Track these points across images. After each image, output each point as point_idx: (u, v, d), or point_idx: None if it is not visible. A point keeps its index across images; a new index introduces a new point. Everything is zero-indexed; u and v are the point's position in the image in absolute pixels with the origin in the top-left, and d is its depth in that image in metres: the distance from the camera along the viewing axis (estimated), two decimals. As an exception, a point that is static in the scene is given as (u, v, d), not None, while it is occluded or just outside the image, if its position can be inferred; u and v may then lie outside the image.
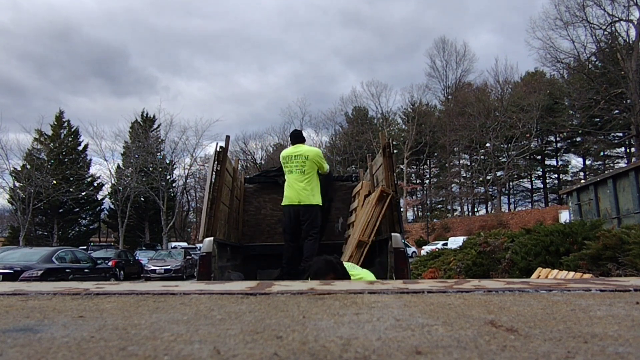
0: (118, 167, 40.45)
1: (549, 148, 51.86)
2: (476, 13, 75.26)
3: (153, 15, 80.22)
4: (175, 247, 30.53)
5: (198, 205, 50.61)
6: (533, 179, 53.83)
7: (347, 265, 2.80)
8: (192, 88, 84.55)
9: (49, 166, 34.35)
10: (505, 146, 48.19)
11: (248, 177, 6.25)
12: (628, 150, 42.22)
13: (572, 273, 5.47)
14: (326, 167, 4.83)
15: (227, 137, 4.56)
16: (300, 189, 4.57)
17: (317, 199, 4.64)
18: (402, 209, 5.72)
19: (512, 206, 52.60)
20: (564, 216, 21.15)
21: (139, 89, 76.43)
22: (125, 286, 1.64)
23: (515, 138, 45.55)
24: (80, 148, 40.93)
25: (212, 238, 3.67)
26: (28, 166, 33.57)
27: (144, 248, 32.85)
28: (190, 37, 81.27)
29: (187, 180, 45.18)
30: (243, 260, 5.13)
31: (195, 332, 0.90)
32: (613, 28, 33.31)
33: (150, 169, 38.00)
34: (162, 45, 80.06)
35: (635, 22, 32.12)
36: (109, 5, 76.79)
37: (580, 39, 34.83)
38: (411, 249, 31.80)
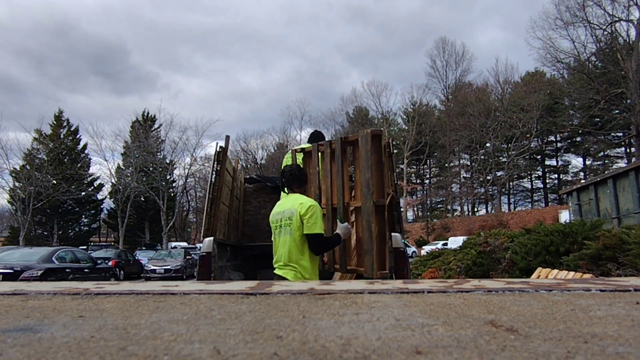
0: (118, 166, 40.49)
1: (549, 148, 51.86)
2: (483, 8, 74.93)
3: (152, 10, 79.90)
4: (175, 247, 30.50)
5: (198, 205, 50.59)
6: (533, 179, 53.85)
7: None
8: (193, 85, 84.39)
9: (48, 166, 34.33)
10: (505, 146, 48.20)
11: (248, 177, 6.24)
12: (628, 150, 42.23)
13: (572, 273, 5.48)
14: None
15: (227, 137, 4.56)
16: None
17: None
18: (402, 209, 5.70)
19: (512, 206, 52.60)
20: (564, 216, 21.15)
21: (139, 86, 76.21)
22: (125, 286, 1.64)
23: (515, 138, 45.55)
24: (80, 147, 40.92)
25: (212, 238, 3.67)
26: (28, 166, 33.56)
27: (144, 248, 32.83)
28: (190, 33, 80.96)
29: (187, 180, 45.19)
30: (243, 260, 5.13)
31: (195, 331, 0.90)
32: (613, 28, 33.33)
33: (151, 168, 38.02)
34: (162, 42, 79.74)
35: (635, 22, 32.12)
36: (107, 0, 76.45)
37: (580, 39, 34.87)
38: (411, 249, 31.79)
